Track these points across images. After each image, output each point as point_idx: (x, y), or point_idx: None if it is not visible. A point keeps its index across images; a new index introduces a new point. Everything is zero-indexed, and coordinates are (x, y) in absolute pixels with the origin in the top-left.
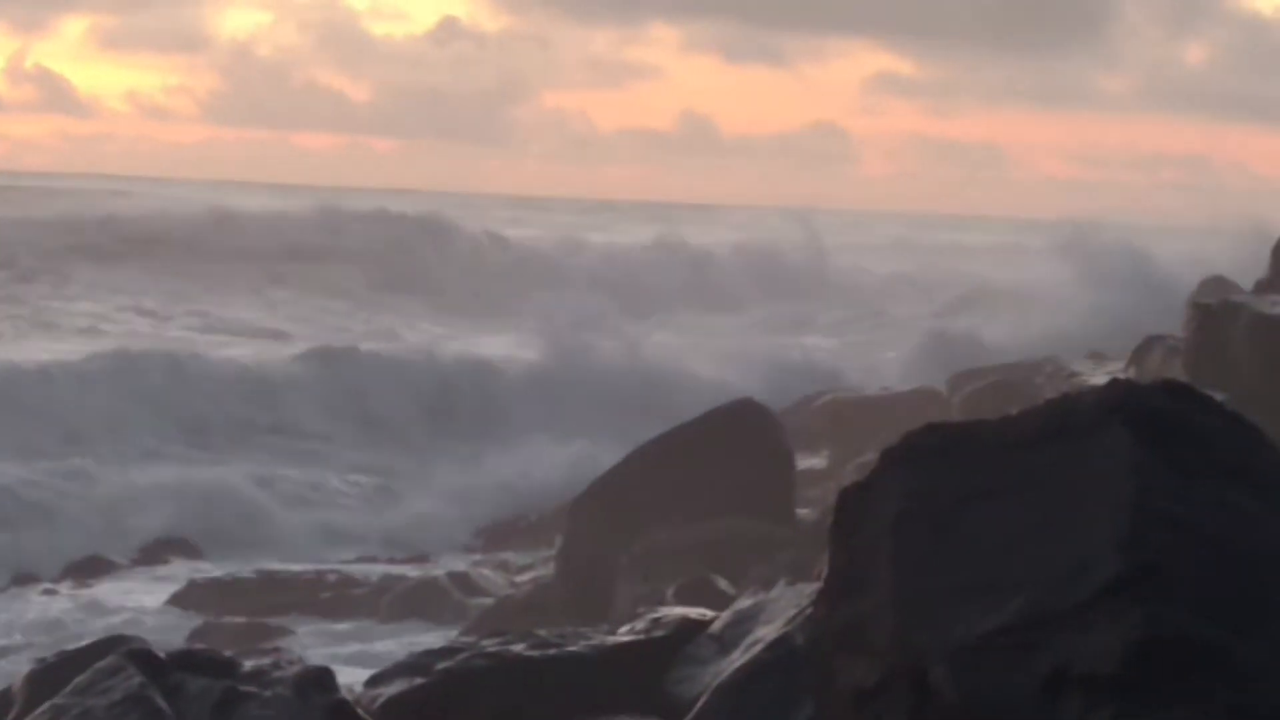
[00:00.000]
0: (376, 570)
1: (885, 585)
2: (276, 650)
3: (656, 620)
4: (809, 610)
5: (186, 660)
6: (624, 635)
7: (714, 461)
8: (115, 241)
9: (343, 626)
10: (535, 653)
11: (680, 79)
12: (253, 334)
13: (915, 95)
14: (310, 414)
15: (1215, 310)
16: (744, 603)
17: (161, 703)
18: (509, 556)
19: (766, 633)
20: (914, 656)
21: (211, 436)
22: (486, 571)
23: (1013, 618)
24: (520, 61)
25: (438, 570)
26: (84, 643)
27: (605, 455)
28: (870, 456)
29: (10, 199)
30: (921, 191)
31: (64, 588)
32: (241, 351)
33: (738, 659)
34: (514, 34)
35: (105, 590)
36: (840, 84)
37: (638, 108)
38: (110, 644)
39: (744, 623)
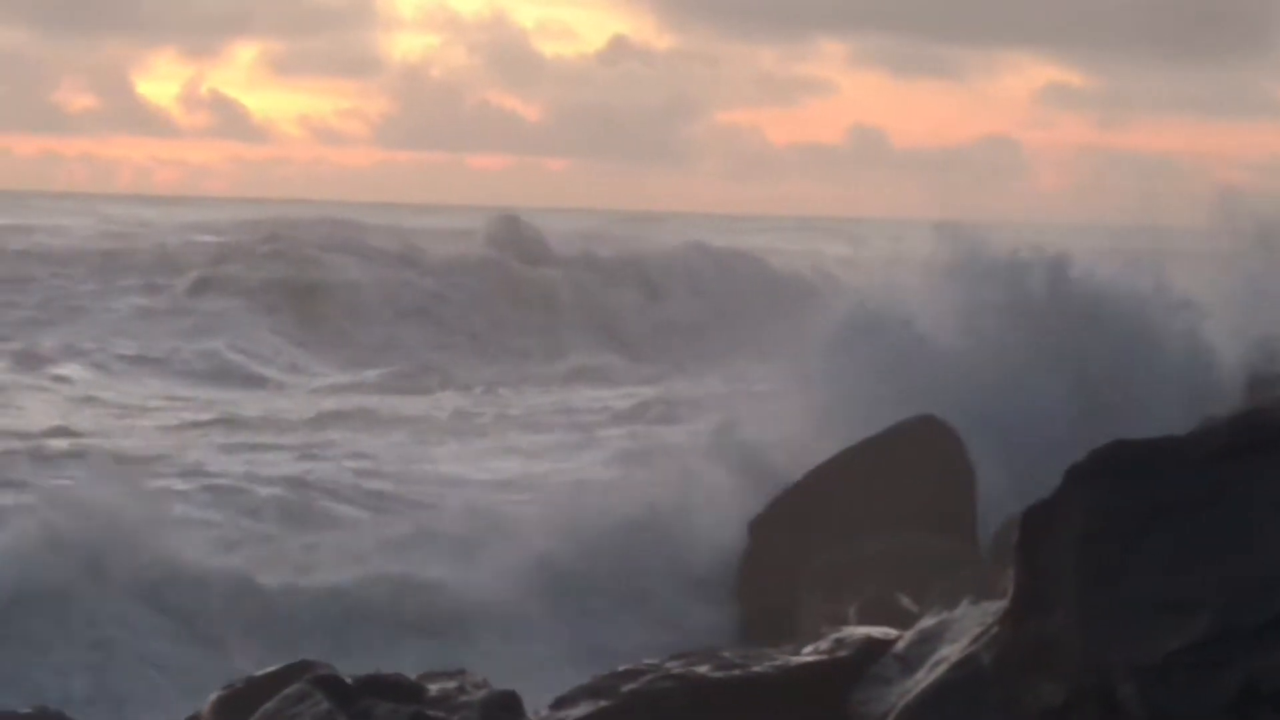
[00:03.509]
0: None
1: (1071, 603)
2: (462, 673)
3: (840, 640)
4: (994, 629)
5: (373, 685)
6: (808, 655)
7: (895, 477)
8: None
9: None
10: (720, 674)
11: (850, 94)
12: None
13: (1086, 106)
14: None
15: None
16: (928, 621)
17: None
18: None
19: (951, 652)
20: (1101, 675)
21: None
22: None
23: (1201, 635)
24: (690, 79)
25: None
26: (271, 668)
27: None
28: None
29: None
30: (1095, 203)
31: None
32: None
33: (923, 679)
34: (683, 52)
35: None
36: (1010, 96)
37: (808, 123)
38: (297, 669)
39: (928, 641)
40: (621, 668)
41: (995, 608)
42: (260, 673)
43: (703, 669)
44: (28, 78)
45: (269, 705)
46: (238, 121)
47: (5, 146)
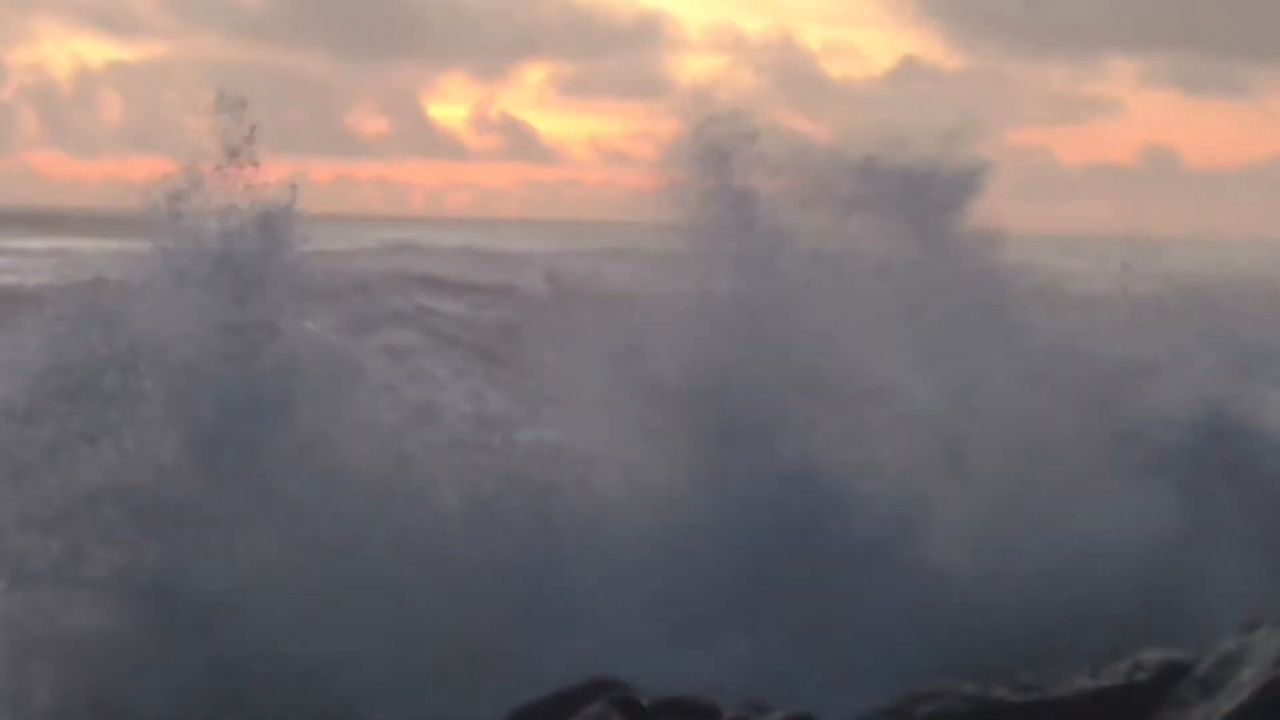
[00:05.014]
0: None
1: None
2: (758, 696)
3: (1138, 663)
4: None
5: (670, 707)
6: (1106, 679)
7: None
8: None
9: None
10: (1018, 697)
11: (1140, 112)
12: None
13: None
14: None
15: None
16: (1227, 644)
17: None
18: None
19: (1252, 676)
20: None
21: None
22: None
23: None
24: (978, 99)
25: None
26: (567, 686)
27: None
28: None
29: None
30: None
31: None
32: None
33: (1224, 704)
34: (971, 72)
35: None
36: None
37: (1098, 142)
38: (596, 689)
39: (1228, 665)
40: (918, 689)
41: None
42: (556, 691)
43: (1000, 692)
44: (322, 103)
45: None
46: (527, 143)
47: (301, 170)
